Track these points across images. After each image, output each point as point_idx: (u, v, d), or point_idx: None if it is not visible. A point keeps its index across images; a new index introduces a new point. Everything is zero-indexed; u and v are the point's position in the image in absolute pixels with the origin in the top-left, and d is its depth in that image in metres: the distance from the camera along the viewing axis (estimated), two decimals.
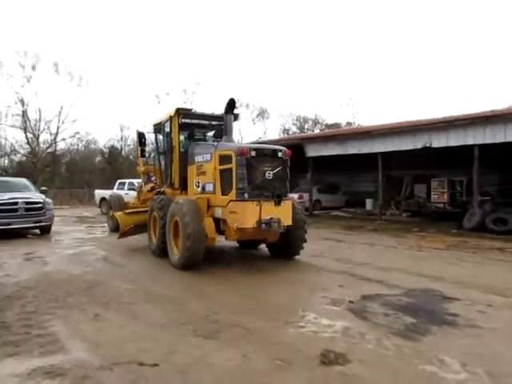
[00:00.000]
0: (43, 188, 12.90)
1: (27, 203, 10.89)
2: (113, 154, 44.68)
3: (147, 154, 11.60)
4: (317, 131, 44.95)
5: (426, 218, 16.92)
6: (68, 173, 43.65)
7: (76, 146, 44.30)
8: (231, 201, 6.74)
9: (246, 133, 48.36)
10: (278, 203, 6.72)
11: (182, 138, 8.64)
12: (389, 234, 12.28)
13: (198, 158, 7.86)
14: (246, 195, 6.58)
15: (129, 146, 44.89)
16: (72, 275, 6.51)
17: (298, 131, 48.41)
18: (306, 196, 20.39)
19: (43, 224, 11.28)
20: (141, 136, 10.09)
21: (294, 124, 51.14)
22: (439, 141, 13.95)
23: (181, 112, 8.46)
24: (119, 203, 11.98)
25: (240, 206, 6.59)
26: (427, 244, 10.19)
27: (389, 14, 65.88)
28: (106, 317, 4.50)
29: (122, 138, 45.40)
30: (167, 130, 8.82)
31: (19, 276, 6.46)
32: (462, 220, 13.16)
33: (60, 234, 11.99)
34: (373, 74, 66.18)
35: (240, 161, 6.62)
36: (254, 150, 6.78)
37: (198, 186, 7.77)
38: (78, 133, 39.64)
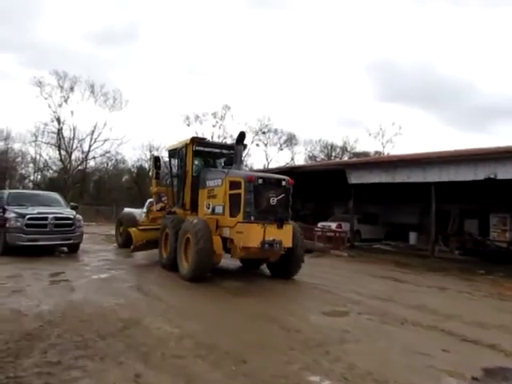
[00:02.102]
0: (73, 204, 12.15)
1: (57, 219, 10.09)
2: (140, 174, 44.71)
3: (160, 177, 12.21)
4: (345, 159, 43.69)
5: (483, 257, 15.16)
6: (96, 190, 43.90)
7: (105, 165, 44.65)
8: (238, 222, 7.44)
9: (272, 158, 47.57)
10: (280, 226, 7.43)
11: (194, 163, 9.39)
12: (453, 276, 10.76)
13: (210, 183, 8.59)
14: (252, 218, 7.30)
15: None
16: (103, 308, 5.46)
17: (326, 159, 47.24)
18: (344, 226, 19.00)
19: (72, 242, 10.43)
20: (157, 160, 10.90)
21: (321, 151, 50.07)
22: (506, 172, 12.49)
23: (195, 140, 9.31)
24: (130, 220, 12.31)
25: (246, 227, 7.30)
26: (508, 291, 8.66)
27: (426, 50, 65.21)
28: (149, 379, 3.38)
29: (150, 159, 45.44)
30: (182, 155, 9.49)
31: (42, 304, 5.48)
32: None
33: (88, 253, 11.08)
34: (402, 106, 64.78)
35: (248, 187, 7.38)
36: (261, 178, 7.65)
37: (208, 208, 8.44)
38: (108, 152, 39.93)
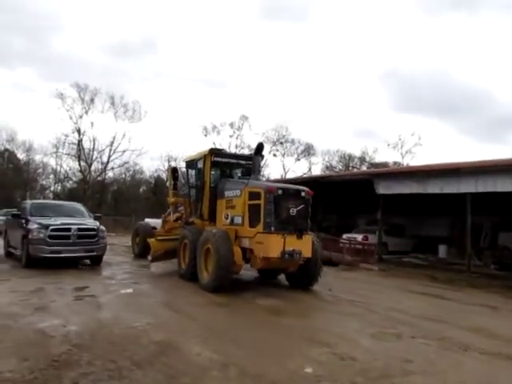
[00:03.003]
0: (97, 214, 11.86)
1: (80, 230, 9.76)
2: (158, 185, 44.78)
3: (178, 187, 12.26)
4: (364, 169, 42.84)
5: None
6: (114, 201, 44.07)
7: (123, 176, 44.93)
8: (258, 233, 7.46)
9: (289, 169, 47.01)
10: (299, 237, 7.47)
11: (212, 174, 9.40)
12: (497, 294, 9.97)
13: (228, 193, 8.53)
14: (273, 228, 7.34)
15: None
16: (134, 329, 5.00)
17: (344, 169, 46.41)
18: (371, 238, 18.27)
19: (95, 254, 10.06)
20: (174, 171, 10.98)
21: (339, 162, 49.25)
22: None
23: (213, 152, 9.37)
24: (147, 231, 12.60)
25: (266, 237, 7.33)
26: None
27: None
28: None
29: (168, 170, 45.49)
30: (200, 166, 9.55)
31: (69, 324, 5.06)
32: None
33: (111, 265, 10.72)
34: (418, 116, 63.57)
35: (268, 198, 7.41)
36: (281, 189, 7.71)
37: (227, 218, 8.35)
38: (127, 163, 40.16)
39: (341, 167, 48.58)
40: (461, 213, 18.31)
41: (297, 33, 69.07)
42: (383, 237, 18.99)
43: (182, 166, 12.33)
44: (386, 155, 50.45)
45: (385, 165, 43.26)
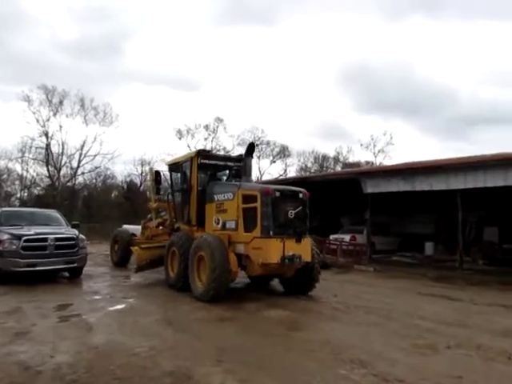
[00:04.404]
0: (75, 222, 10.82)
1: (58, 240, 8.79)
2: (131, 189, 43.24)
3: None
4: (338, 169, 43.03)
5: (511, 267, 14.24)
6: (85, 207, 42.10)
7: (94, 181, 43.07)
8: (255, 237, 6.99)
9: (265, 170, 46.50)
10: (298, 240, 7.11)
11: (200, 177, 8.93)
12: (500, 291, 9.80)
13: (219, 197, 8.04)
14: (271, 232, 6.89)
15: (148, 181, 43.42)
16: (137, 356, 4.24)
17: (319, 170, 46.42)
18: (358, 238, 18.00)
19: (76, 265, 9.10)
20: (157, 174, 10.30)
21: (315, 162, 49.19)
22: None
23: (201, 153, 8.86)
24: (126, 238, 12.04)
25: (265, 242, 6.88)
26: None
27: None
28: None
29: (141, 173, 43.99)
30: (186, 169, 9.05)
31: (58, 353, 4.26)
32: None
33: (93, 277, 9.77)
34: (383, 116, 64.60)
35: (265, 200, 6.98)
36: (278, 190, 7.26)
37: (218, 223, 7.89)
38: (98, 167, 38.51)
39: (316, 168, 48.65)
40: (445, 209, 18.34)
41: (268, 36, 69.04)
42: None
43: (158, 169, 11.71)
44: (359, 155, 50.77)
45: (358, 165, 43.58)
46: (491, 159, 13.28)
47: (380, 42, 65.87)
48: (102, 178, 43.32)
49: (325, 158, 49.35)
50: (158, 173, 10.45)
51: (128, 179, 43.88)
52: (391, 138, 43.91)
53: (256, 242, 6.99)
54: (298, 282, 7.87)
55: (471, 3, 60.08)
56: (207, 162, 8.88)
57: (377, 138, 44.54)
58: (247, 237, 7.16)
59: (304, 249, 7.24)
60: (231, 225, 7.57)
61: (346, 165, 46.13)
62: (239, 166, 8.73)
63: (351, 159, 47.41)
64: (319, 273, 8.02)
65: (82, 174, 38.95)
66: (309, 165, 48.81)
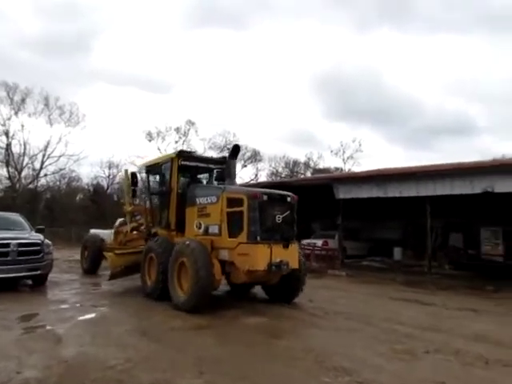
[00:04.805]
0: (40, 226, 10.23)
1: (21, 245, 8.27)
2: (98, 192, 41.84)
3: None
4: (308, 175, 43.61)
5: (476, 272, 14.81)
6: (47, 210, 40.26)
7: (58, 183, 41.37)
8: (241, 243, 6.67)
9: (237, 175, 46.13)
10: (286, 246, 6.88)
11: (180, 179, 8.58)
12: (468, 295, 10.15)
13: (201, 200, 7.68)
14: (258, 238, 6.58)
15: (117, 183, 42.10)
16: (113, 369, 3.99)
17: (290, 175, 46.86)
18: (330, 243, 18.20)
19: (40, 272, 8.59)
20: (133, 176, 9.76)
21: (285, 167, 49.56)
22: (504, 185, 12.25)
23: (182, 155, 8.42)
24: (96, 243, 11.51)
25: (252, 248, 6.56)
26: None
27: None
28: None
29: (109, 176, 42.71)
30: (165, 171, 8.63)
31: (25, 369, 3.95)
32: None
33: (59, 285, 9.27)
34: (352, 124, 66.39)
35: (252, 204, 6.67)
36: (266, 194, 6.99)
37: (200, 228, 7.50)
38: (63, 169, 37.01)
39: (287, 173, 49.07)
40: (414, 216, 18.87)
41: (240, 40, 69.27)
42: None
43: (134, 170, 11.40)
44: (329, 161, 51.60)
45: (327, 170, 44.34)
46: (458, 168, 13.82)
47: (351, 52, 67.72)
48: (66, 180, 41.73)
49: (295, 163, 49.77)
50: (134, 174, 9.95)
51: (95, 182, 42.53)
52: (360, 145, 44.97)
53: (242, 247, 6.67)
54: (283, 289, 7.62)
55: (434, 17, 62.70)
56: (188, 163, 8.49)
57: (346, 144, 45.53)
58: (232, 242, 6.85)
59: (291, 255, 6.98)
60: (214, 229, 7.24)
61: (316, 170, 46.75)
62: (222, 168, 8.50)
63: (321, 165, 48.10)
64: (305, 280, 7.80)
65: (45, 175, 37.27)
66: (280, 170, 49.10)
